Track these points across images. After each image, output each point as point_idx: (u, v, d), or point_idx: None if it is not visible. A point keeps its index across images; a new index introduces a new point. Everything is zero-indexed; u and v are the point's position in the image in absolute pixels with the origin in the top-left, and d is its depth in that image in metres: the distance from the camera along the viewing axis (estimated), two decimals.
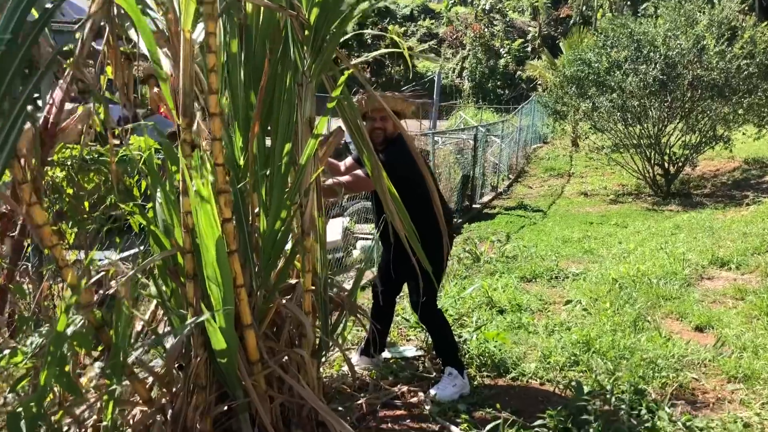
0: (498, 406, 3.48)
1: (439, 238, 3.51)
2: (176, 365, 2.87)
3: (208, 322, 2.60)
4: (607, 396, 3.54)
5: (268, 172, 2.91)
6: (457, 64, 34.30)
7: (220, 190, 2.70)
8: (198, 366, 2.80)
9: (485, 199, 13.31)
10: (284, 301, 2.94)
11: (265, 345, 2.97)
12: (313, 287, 3.26)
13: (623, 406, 3.41)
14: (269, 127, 2.95)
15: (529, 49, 33.93)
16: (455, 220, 10.97)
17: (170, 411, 2.81)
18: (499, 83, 32.58)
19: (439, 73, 24.61)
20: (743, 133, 13.42)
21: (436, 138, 13.07)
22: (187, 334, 2.77)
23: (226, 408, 2.88)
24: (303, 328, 2.92)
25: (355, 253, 7.51)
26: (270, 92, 2.83)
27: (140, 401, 2.89)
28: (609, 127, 13.91)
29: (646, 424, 3.15)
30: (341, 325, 3.39)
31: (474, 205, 12.37)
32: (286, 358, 2.98)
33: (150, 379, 2.93)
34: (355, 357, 4.09)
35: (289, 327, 3.00)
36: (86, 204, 3.12)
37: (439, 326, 3.82)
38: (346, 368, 4.03)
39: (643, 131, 13.61)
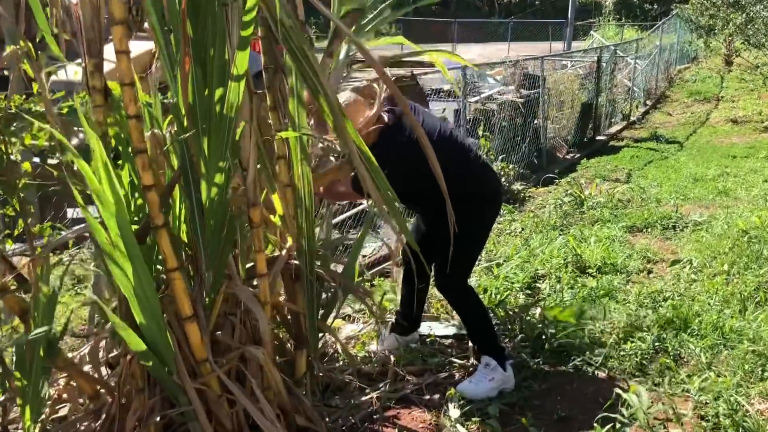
0: (523, 421, 2.73)
1: (466, 208, 2.82)
2: (105, 363, 2.39)
3: (116, 323, 2.07)
4: (689, 405, 2.68)
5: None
6: None
7: (137, 149, 2.12)
8: (131, 365, 2.29)
9: (613, 129, 11.89)
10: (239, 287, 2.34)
11: (222, 340, 2.42)
12: (295, 261, 2.66)
13: (705, 424, 2.55)
14: None
15: None
16: (572, 155, 9.85)
17: (104, 416, 2.35)
18: None
19: None
20: None
21: (564, 62, 11.77)
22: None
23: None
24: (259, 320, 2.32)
25: None
26: (202, 18, 2.15)
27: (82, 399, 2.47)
28: (767, 41, 11.86)
29: None
30: (336, 308, 2.76)
31: (598, 137, 11.06)
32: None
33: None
34: (384, 335, 3.46)
35: (244, 316, 2.41)
36: (27, 165, 2.64)
37: (470, 308, 3.09)
38: (372, 347, 3.42)
39: None
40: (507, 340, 3.45)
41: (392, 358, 3.26)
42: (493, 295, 3.81)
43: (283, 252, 2.65)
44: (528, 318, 3.55)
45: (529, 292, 4.21)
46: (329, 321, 2.92)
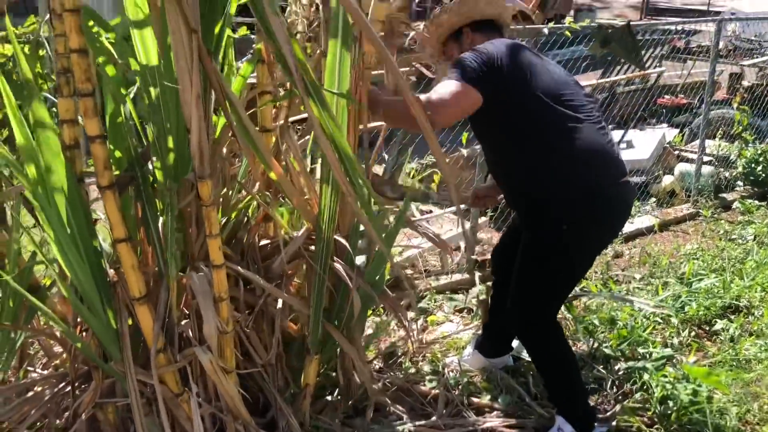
0: None
1: (577, 204, 2.12)
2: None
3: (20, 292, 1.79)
4: None
5: None
6: None
7: (81, 92, 1.77)
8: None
9: None
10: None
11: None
12: (314, 245, 2.16)
13: None
14: None
15: None
16: None
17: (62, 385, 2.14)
18: None
19: None
20: None
21: None
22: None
23: None
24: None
25: (666, 179, 5.57)
26: None
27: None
28: None
29: None
30: (355, 315, 2.20)
31: None
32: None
33: None
34: (468, 351, 2.80)
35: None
36: None
37: (548, 358, 2.30)
38: (449, 360, 2.79)
39: None
40: (625, 395, 2.58)
41: (458, 382, 2.61)
42: (629, 329, 2.88)
43: (298, 234, 2.17)
44: (659, 371, 2.60)
45: (705, 329, 3.16)
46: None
